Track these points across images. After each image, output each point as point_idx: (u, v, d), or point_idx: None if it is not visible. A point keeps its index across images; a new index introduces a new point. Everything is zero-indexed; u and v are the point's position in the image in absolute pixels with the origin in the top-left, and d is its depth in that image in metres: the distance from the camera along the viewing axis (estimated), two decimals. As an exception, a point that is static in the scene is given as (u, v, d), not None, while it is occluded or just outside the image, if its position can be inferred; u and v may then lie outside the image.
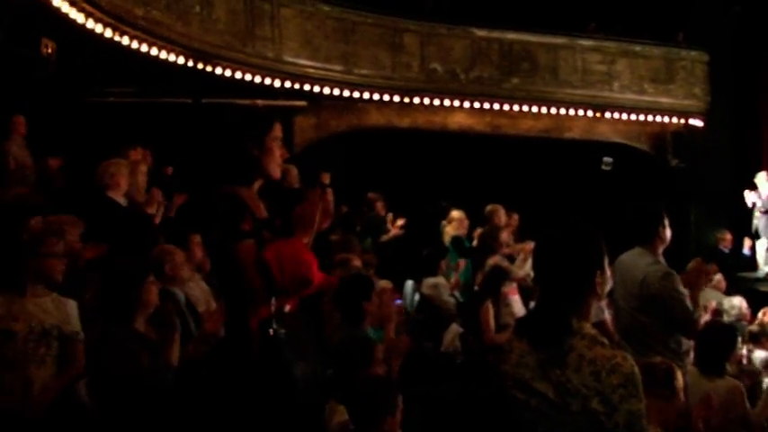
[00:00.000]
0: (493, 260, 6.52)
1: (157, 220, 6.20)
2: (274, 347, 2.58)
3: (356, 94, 12.50)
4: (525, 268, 6.95)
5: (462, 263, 7.87)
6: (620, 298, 4.64)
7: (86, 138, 9.24)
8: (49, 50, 9.50)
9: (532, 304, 6.50)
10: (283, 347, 2.60)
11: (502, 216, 7.92)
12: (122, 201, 5.77)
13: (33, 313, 3.30)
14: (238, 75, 11.17)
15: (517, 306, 6.21)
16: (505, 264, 6.58)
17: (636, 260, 4.52)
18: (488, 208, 8.00)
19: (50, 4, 8.49)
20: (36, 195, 6.21)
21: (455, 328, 6.31)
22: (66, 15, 8.81)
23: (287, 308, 2.68)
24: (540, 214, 8.81)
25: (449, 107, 13.26)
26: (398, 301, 5.04)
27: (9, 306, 3.28)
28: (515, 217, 9.35)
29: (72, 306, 3.50)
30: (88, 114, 10.91)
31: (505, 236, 7.29)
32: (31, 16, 8.78)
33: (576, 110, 13.65)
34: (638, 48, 13.94)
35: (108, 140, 8.44)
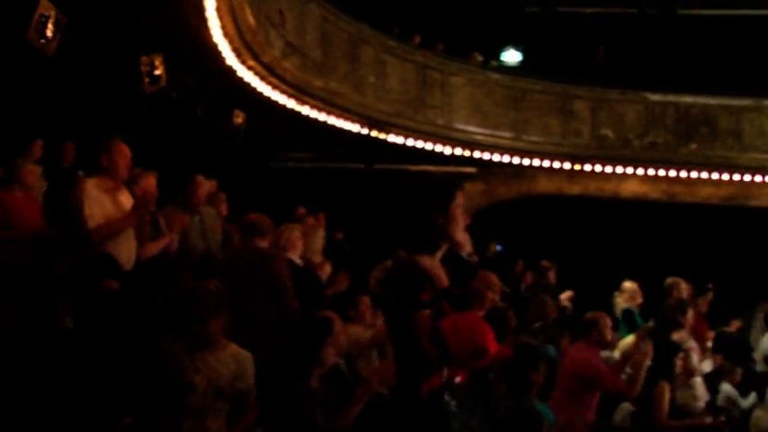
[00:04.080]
0: (679, 336, 6.11)
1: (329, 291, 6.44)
2: (443, 418, 2.58)
3: (525, 161, 12.50)
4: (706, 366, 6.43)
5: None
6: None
7: (268, 200, 9.87)
8: (240, 120, 10.36)
9: (726, 386, 6.04)
10: (452, 419, 2.60)
11: (683, 290, 7.44)
12: (299, 261, 6.08)
13: (213, 367, 3.38)
14: (410, 142, 11.56)
15: (700, 389, 5.78)
16: (691, 344, 6.12)
17: None
18: (668, 281, 7.54)
19: (242, 79, 9.31)
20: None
21: (627, 407, 5.98)
22: (254, 89, 9.62)
23: (457, 379, 2.68)
24: (724, 289, 8.25)
25: (621, 174, 12.89)
26: None
27: (192, 358, 3.36)
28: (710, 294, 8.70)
29: (248, 360, 3.54)
30: (270, 178, 11.69)
31: (691, 314, 6.79)
32: (225, 91, 9.64)
33: (764, 176, 12.75)
34: (837, 106, 12.89)
35: (286, 203, 8.98)
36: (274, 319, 4.75)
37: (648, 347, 5.18)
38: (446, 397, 2.60)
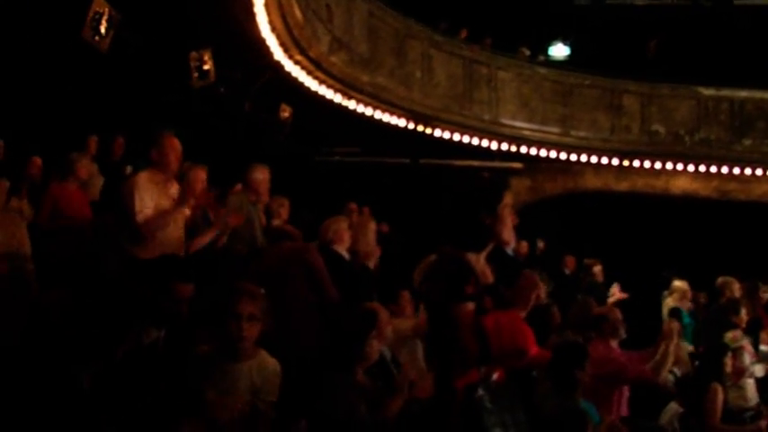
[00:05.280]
0: (732, 335, 5.97)
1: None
2: (476, 413, 2.59)
3: (573, 157, 12.33)
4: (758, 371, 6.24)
5: None
6: None
7: (314, 194, 9.95)
8: (287, 114, 10.47)
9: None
10: (484, 414, 2.59)
11: (736, 290, 7.26)
12: (346, 255, 6.08)
13: (231, 381, 3.14)
14: (456, 137, 11.50)
15: (751, 390, 5.63)
16: (743, 343, 5.97)
17: None
18: (720, 280, 7.37)
19: (289, 74, 9.39)
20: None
21: (674, 407, 5.87)
22: (302, 84, 9.70)
23: (495, 376, 2.67)
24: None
25: (671, 171, 12.63)
26: None
27: (212, 367, 3.14)
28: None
29: (274, 372, 3.26)
30: (316, 172, 11.77)
31: (744, 313, 6.62)
32: (273, 85, 9.74)
33: (822, 174, 12.38)
34: None
35: (332, 197, 9.03)
36: (315, 303, 4.79)
37: (674, 327, 5.09)
38: (480, 392, 2.59)
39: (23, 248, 4.79)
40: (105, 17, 7.03)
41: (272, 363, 3.26)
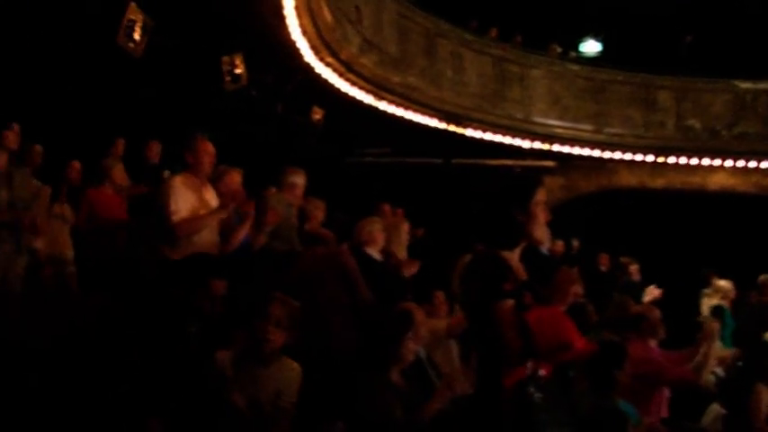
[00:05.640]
0: (773, 335, 5.85)
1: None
2: (529, 411, 2.56)
3: (606, 154, 12.21)
4: None
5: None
6: None
7: (346, 196, 9.97)
8: (318, 117, 10.51)
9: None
10: (538, 412, 2.57)
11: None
12: (378, 256, 6.07)
13: (257, 383, 3.23)
14: (488, 136, 11.44)
15: (798, 391, 5.49)
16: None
17: None
18: (762, 278, 7.25)
19: (320, 76, 9.43)
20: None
21: (716, 409, 5.76)
22: (333, 85, 9.73)
23: (542, 372, 2.65)
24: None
25: (708, 167, 12.43)
26: None
27: (239, 371, 3.25)
28: None
29: (296, 374, 3.36)
30: (348, 173, 11.79)
31: None
32: (304, 88, 9.79)
33: None
34: None
35: (364, 198, 9.03)
36: (350, 305, 4.80)
37: (714, 327, 5.00)
38: (531, 389, 2.57)
39: (66, 252, 4.91)
40: (139, 24, 7.14)
41: (294, 366, 3.37)
